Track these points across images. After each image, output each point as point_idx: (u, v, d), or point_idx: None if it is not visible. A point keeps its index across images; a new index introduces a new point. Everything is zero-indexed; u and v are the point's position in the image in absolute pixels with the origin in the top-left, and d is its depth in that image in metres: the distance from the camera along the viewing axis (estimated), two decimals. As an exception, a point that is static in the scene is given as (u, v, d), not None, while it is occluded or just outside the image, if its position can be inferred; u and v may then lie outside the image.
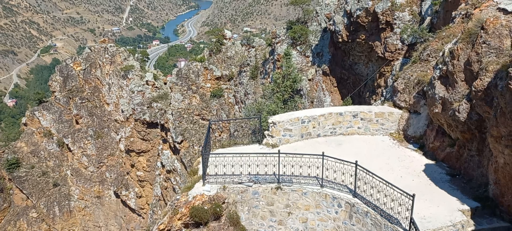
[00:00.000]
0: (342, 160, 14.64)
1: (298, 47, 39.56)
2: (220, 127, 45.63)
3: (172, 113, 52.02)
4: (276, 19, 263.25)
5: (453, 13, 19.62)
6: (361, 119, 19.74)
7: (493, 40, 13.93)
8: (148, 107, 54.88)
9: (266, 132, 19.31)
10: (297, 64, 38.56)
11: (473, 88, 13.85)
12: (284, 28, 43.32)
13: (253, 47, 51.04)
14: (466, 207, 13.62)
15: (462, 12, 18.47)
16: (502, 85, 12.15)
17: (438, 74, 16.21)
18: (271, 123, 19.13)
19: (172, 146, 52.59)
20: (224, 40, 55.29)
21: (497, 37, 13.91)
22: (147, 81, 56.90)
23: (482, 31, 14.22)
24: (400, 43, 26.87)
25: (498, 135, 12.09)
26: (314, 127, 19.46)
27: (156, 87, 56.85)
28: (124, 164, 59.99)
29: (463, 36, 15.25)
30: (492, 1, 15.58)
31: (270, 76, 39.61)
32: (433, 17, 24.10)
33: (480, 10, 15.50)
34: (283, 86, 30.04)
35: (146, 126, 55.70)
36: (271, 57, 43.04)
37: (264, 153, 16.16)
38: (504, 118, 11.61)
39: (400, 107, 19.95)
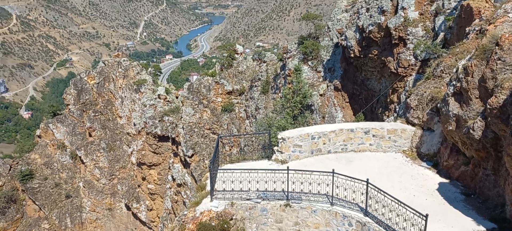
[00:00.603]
0: (353, 178, 14.32)
1: (309, 62, 39.38)
2: (230, 141, 45.48)
3: (183, 127, 52.10)
4: (289, 34, 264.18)
5: (467, 29, 19.29)
6: (373, 136, 19.39)
7: (509, 56, 13.58)
8: (159, 121, 55.12)
9: (275, 148, 19.07)
10: (309, 80, 38.37)
11: (488, 106, 13.48)
12: (295, 43, 43.25)
13: (264, 62, 51.05)
14: (481, 228, 13.15)
15: (476, 28, 18.14)
16: (518, 103, 11.78)
17: (452, 91, 15.86)
18: (280, 139, 18.90)
19: (183, 159, 52.56)
20: (236, 55, 55.47)
21: (513, 53, 13.55)
22: (159, 95, 57.27)
23: (497, 47, 13.89)
24: (413, 59, 26.49)
25: (515, 154, 11.68)
26: (324, 143, 19.16)
27: (168, 101, 57.17)
28: (136, 177, 60.14)
29: (477, 52, 14.93)
30: (507, 17, 15.27)
31: (281, 91, 39.43)
32: (446, 33, 23.74)
33: (494, 26, 15.19)
34: (293, 101, 29.83)
35: (157, 139, 55.89)
36: (282, 72, 42.92)
37: (273, 169, 15.92)
38: (521, 136, 11.22)
39: (413, 124, 19.55)
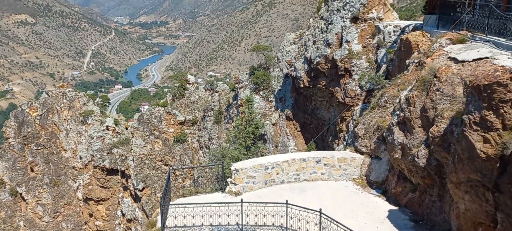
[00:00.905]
0: (306, 208, 14.45)
1: (261, 92, 39.93)
2: (183, 173, 44.63)
3: (133, 159, 50.57)
4: (240, 64, 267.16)
5: (407, 61, 20.43)
6: (324, 164, 19.78)
7: (446, 88, 14.48)
8: (108, 153, 53.16)
9: (229, 180, 18.94)
10: (261, 109, 38.81)
11: (430, 134, 14.20)
12: (247, 73, 43.80)
13: (216, 92, 51.11)
14: (429, 253, 13.61)
15: (415, 61, 19.26)
16: (458, 132, 12.50)
17: (396, 120, 16.60)
18: (234, 170, 18.82)
19: (133, 193, 50.77)
20: (188, 85, 55.19)
21: (450, 84, 14.47)
22: (107, 126, 55.41)
23: (435, 79, 14.78)
24: (359, 89, 27.61)
25: (458, 181, 12.31)
26: (277, 173, 19.29)
27: (117, 132, 55.39)
28: (82, 213, 57.15)
29: (417, 83, 15.80)
30: (443, 50, 16.34)
31: (234, 121, 39.53)
32: (388, 64, 25.03)
33: (432, 59, 16.19)
34: (245, 132, 29.97)
35: (105, 172, 53.72)
36: (235, 102, 43.14)
37: (227, 202, 15.75)
38: (462, 164, 11.87)
39: (361, 153, 20.19)
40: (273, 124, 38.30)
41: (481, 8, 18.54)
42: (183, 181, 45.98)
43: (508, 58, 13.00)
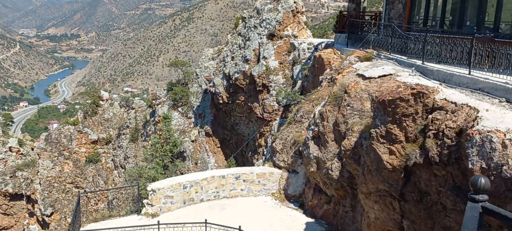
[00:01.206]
0: (226, 226, 14.26)
1: (179, 109, 39.22)
2: (96, 195, 42.08)
3: (40, 182, 46.61)
4: (158, 80, 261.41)
5: (320, 77, 21.33)
6: (244, 181, 19.77)
7: (356, 103, 15.28)
8: (11, 177, 48.45)
9: (145, 201, 18.12)
10: (179, 126, 38.09)
11: (342, 148, 14.85)
12: (165, 89, 42.81)
13: (132, 108, 49.23)
14: (344, 263, 14.10)
15: (328, 77, 20.16)
16: (366, 145, 13.18)
17: (311, 135, 17.15)
18: (150, 191, 18.05)
19: (41, 219, 46.68)
20: (101, 102, 52.49)
21: (359, 100, 15.30)
22: (10, 147, 50.55)
23: (345, 95, 15.54)
24: (277, 105, 28.26)
25: (367, 191, 12.95)
26: (197, 192, 18.88)
27: (22, 154, 50.79)
28: (-21, 246, 51.31)
29: (330, 99, 16.50)
30: (352, 67, 17.29)
31: (151, 139, 38.28)
32: (303, 80, 25.98)
33: (342, 75, 17.04)
34: (162, 150, 29.11)
35: (8, 198, 48.76)
36: (152, 119, 41.86)
37: (142, 225, 15.02)
38: (371, 175, 12.51)
39: (279, 167, 20.53)
40: (192, 141, 37.72)
41: (385, 28, 20.00)
42: (97, 204, 43.33)
43: (409, 75, 14.08)
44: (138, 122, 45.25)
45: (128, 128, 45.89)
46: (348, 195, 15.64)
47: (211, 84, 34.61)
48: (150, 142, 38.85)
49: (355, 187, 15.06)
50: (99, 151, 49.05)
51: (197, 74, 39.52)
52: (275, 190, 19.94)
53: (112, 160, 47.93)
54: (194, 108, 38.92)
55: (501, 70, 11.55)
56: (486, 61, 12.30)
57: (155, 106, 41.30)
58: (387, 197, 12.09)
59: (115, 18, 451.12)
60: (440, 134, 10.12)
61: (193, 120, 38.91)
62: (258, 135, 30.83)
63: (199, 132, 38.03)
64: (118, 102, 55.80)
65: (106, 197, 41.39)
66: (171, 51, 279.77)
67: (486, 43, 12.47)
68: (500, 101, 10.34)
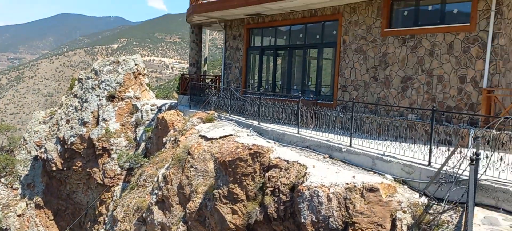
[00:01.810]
0: None
1: (3, 179, 33.97)
2: None
3: None
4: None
5: (164, 139, 21.01)
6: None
7: (199, 164, 15.35)
8: None
9: None
10: (2, 199, 32.85)
11: (187, 210, 14.56)
12: (-17, 158, 36.77)
13: None
14: None
15: (172, 138, 19.98)
16: (210, 206, 13.19)
17: (155, 200, 16.48)
18: None
19: None
20: None
21: (202, 161, 15.42)
22: None
23: (189, 156, 15.52)
24: (119, 169, 26.71)
25: (212, 254, 12.80)
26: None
27: None
28: None
29: (173, 161, 16.26)
30: (195, 129, 17.51)
31: (-37, 218, 31.96)
32: (147, 142, 25.26)
33: (185, 137, 17.08)
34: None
35: None
36: (-35, 194, 35.23)
37: None
38: (215, 237, 12.45)
39: (122, 237, 19.05)
40: (18, 215, 32.75)
41: (224, 90, 21.02)
42: None
43: (248, 135, 14.85)
44: None
45: None
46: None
47: (43, 150, 31.10)
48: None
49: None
50: None
51: (25, 140, 35.14)
52: (117, 263, 18.34)
53: None
54: (22, 178, 34.16)
55: (323, 129, 13.03)
56: (311, 121, 13.76)
57: (-30, 178, 34.99)
58: (232, 258, 12.12)
59: None
60: (276, 190, 10.72)
61: (20, 191, 34.00)
62: (98, 202, 28.43)
63: (27, 204, 33.28)
64: None
65: None
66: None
67: (309, 106, 14.01)
68: (324, 157, 11.56)
